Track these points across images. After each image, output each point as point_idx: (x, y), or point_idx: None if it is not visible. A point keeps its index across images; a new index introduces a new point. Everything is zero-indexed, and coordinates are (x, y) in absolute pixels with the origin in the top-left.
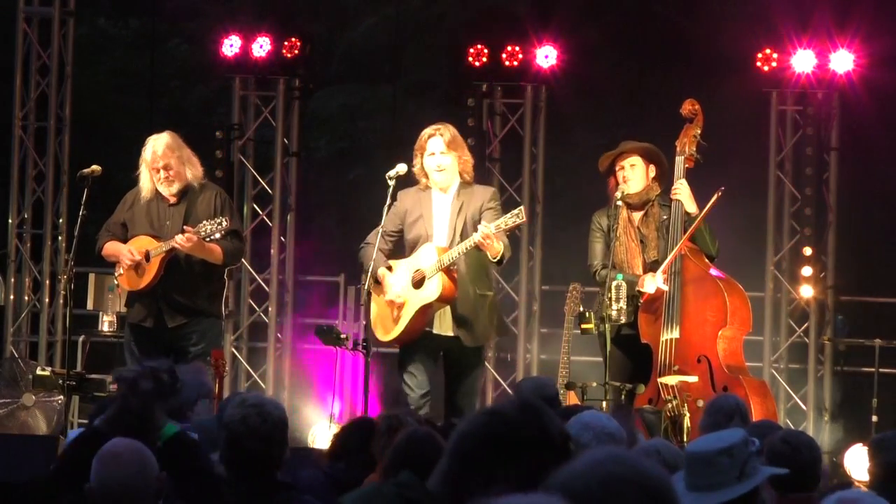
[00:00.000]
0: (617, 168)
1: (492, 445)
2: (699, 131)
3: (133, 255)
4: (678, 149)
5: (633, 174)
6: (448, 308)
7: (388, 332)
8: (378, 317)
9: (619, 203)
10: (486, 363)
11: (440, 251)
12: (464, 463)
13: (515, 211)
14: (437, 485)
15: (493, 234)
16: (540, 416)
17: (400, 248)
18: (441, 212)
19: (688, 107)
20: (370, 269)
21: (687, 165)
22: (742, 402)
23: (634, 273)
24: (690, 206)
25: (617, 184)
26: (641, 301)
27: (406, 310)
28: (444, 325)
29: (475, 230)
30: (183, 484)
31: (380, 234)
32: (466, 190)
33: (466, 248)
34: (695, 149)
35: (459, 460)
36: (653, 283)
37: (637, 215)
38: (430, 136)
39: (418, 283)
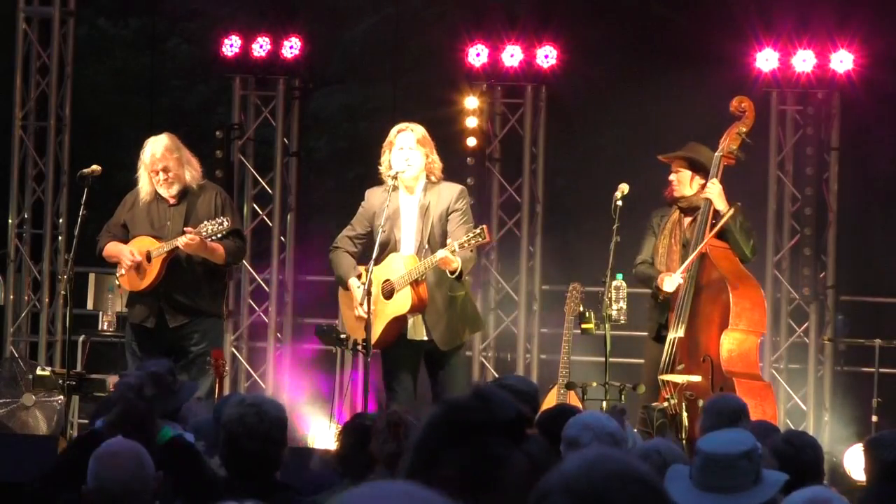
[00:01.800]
0: (671, 170)
1: (441, 432)
2: (745, 129)
3: (134, 255)
4: (720, 145)
5: (678, 180)
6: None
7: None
8: (352, 321)
9: (619, 203)
10: (487, 363)
11: (408, 262)
12: (419, 452)
13: (478, 230)
14: (403, 477)
15: (452, 259)
16: (488, 401)
17: (369, 248)
18: (408, 214)
19: (735, 104)
20: (369, 271)
21: (725, 163)
22: (744, 404)
23: (670, 273)
24: (720, 205)
25: (672, 186)
26: (661, 299)
27: (378, 321)
28: (418, 331)
29: (442, 232)
30: (180, 487)
31: (347, 238)
32: (433, 189)
33: (430, 265)
34: (736, 146)
35: (416, 451)
36: (671, 282)
37: (687, 219)
38: (399, 132)
39: (388, 294)
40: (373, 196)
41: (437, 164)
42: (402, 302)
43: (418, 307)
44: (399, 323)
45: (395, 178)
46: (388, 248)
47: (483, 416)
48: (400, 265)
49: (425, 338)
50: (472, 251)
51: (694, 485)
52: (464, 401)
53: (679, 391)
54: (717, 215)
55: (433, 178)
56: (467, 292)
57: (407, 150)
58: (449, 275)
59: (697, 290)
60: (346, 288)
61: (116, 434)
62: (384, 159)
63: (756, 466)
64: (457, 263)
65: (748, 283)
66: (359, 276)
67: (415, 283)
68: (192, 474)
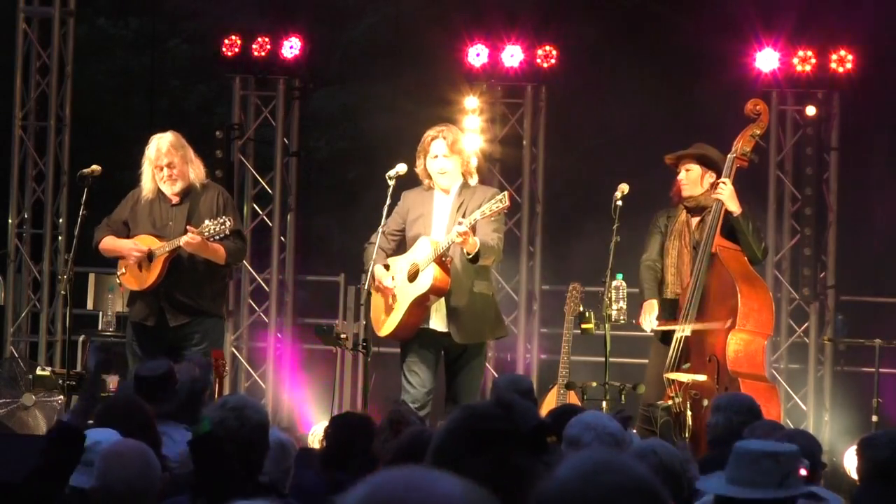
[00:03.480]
0: (679, 170)
1: (463, 439)
2: (759, 132)
3: (138, 246)
4: (733, 147)
5: (688, 179)
6: (443, 303)
7: (384, 326)
8: (375, 311)
9: (619, 203)
10: (486, 363)
11: (434, 243)
12: (440, 458)
13: (499, 196)
14: None
15: (467, 230)
16: (511, 410)
17: (403, 247)
18: (441, 211)
19: (750, 106)
20: (370, 270)
21: (738, 164)
22: (755, 401)
23: (682, 278)
24: (732, 206)
25: (680, 186)
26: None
27: (400, 303)
28: (439, 321)
29: (473, 227)
30: (207, 481)
31: (381, 234)
32: (468, 189)
33: (452, 240)
34: (749, 148)
35: (436, 456)
36: (646, 325)
37: (695, 220)
38: (433, 139)
39: (413, 276)
40: (408, 196)
41: (473, 165)
42: (425, 280)
43: (441, 287)
44: (420, 308)
45: (392, 177)
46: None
47: (506, 426)
48: (427, 247)
49: (444, 329)
50: (496, 240)
51: (725, 479)
52: (486, 409)
53: (684, 390)
54: (728, 217)
55: (470, 180)
56: (493, 294)
57: (441, 157)
58: (465, 255)
59: (706, 290)
60: (373, 278)
61: (84, 420)
62: (419, 163)
63: (783, 470)
64: (473, 240)
65: (757, 284)
66: (386, 267)
67: (439, 262)
68: (221, 469)
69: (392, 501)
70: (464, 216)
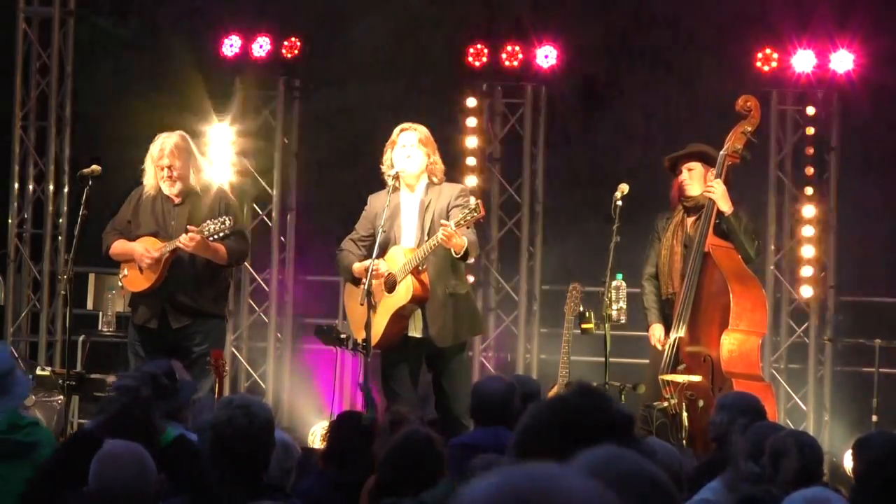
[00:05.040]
0: (678, 171)
1: (559, 434)
2: (751, 129)
3: (150, 253)
4: (724, 145)
5: (691, 178)
6: (419, 310)
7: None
8: (356, 325)
9: (619, 203)
10: (487, 363)
11: (407, 253)
12: (533, 456)
13: (472, 205)
14: None
15: (453, 231)
16: (603, 401)
17: (373, 251)
18: (409, 211)
19: (741, 102)
20: (370, 268)
21: (730, 162)
22: (761, 402)
23: (672, 278)
24: (724, 205)
25: (680, 186)
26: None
27: (380, 315)
28: (417, 326)
29: None
30: (182, 488)
31: (350, 240)
32: (434, 189)
33: (431, 248)
34: (741, 146)
35: (528, 454)
36: (659, 346)
37: (691, 219)
38: (402, 131)
39: (390, 288)
40: (375, 199)
41: (439, 166)
42: (404, 292)
43: (421, 296)
44: (401, 318)
45: (395, 177)
46: (388, 246)
47: (603, 418)
48: (401, 257)
49: (424, 335)
50: (474, 235)
51: None
52: (577, 401)
53: (679, 391)
54: (720, 216)
55: (435, 180)
56: (468, 292)
57: (409, 147)
58: (454, 255)
59: (699, 290)
60: (354, 280)
61: (110, 435)
62: (386, 158)
63: None
64: (462, 241)
65: (749, 283)
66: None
67: (416, 273)
68: (194, 475)
69: (523, 501)
70: (433, 216)
